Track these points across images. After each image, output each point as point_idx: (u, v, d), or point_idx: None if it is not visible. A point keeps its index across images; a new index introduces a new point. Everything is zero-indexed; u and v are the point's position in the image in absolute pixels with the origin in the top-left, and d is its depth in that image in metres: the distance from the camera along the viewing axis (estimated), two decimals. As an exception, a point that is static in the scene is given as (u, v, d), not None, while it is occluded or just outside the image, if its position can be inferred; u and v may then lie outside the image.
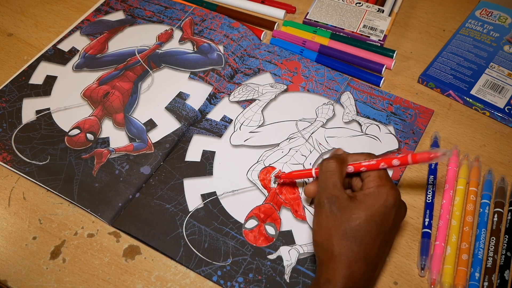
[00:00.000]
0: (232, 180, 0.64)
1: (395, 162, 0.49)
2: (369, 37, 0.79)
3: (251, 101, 0.72)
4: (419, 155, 0.47)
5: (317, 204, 0.49)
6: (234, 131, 0.69)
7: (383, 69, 0.75)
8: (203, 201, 0.62)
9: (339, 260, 0.46)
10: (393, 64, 0.76)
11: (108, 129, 0.69)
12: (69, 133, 0.68)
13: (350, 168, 0.50)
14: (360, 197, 0.48)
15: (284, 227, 0.60)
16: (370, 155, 0.51)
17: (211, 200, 0.62)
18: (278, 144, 0.67)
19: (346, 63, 0.77)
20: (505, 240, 0.59)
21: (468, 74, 0.74)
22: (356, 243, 0.47)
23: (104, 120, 0.70)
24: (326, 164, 0.50)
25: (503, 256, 0.57)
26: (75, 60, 0.76)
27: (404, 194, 0.64)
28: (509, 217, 0.60)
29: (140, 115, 0.70)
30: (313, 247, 0.50)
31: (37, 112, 0.70)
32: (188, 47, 0.78)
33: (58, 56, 0.77)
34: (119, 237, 0.60)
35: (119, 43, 0.78)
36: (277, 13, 0.84)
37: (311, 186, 0.53)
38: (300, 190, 0.63)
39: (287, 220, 0.61)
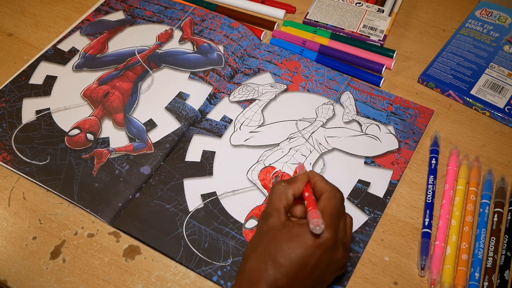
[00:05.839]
0: (232, 180, 0.64)
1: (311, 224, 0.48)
2: (369, 37, 0.79)
3: (251, 101, 0.72)
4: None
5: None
6: (234, 131, 0.69)
7: (383, 69, 0.75)
8: (203, 201, 0.62)
9: (243, 275, 0.48)
10: (393, 64, 0.76)
11: (108, 129, 0.69)
12: (69, 133, 0.68)
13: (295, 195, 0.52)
14: (291, 224, 0.49)
15: (284, 227, 0.60)
16: (332, 190, 0.51)
17: (211, 200, 0.62)
18: (278, 144, 0.67)
19: (346, 63, 0.77)
20: (505, 240, 0.59)
21: (468, 74, 0.74)
22: (265, 263, 0.48)
23: (104, 120, 0.70)
24: (276, 185, 0.52)
25: (503, 256, 0.57)
26: (75, 60, 0.76)
27: (404, 194, 0.64)
28: (509, 217, 0.60)
29: (140, 115, 0.70)
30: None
31: (37, 112, 0.70)
32: (188, 47, 0.78)
33: (58, 56, 0.77)
34: (119, 237, 0.60)
35: (119, 43, 0.78)
36: (277, 13, 0.84)
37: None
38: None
39: (287, 220, 0.61)
